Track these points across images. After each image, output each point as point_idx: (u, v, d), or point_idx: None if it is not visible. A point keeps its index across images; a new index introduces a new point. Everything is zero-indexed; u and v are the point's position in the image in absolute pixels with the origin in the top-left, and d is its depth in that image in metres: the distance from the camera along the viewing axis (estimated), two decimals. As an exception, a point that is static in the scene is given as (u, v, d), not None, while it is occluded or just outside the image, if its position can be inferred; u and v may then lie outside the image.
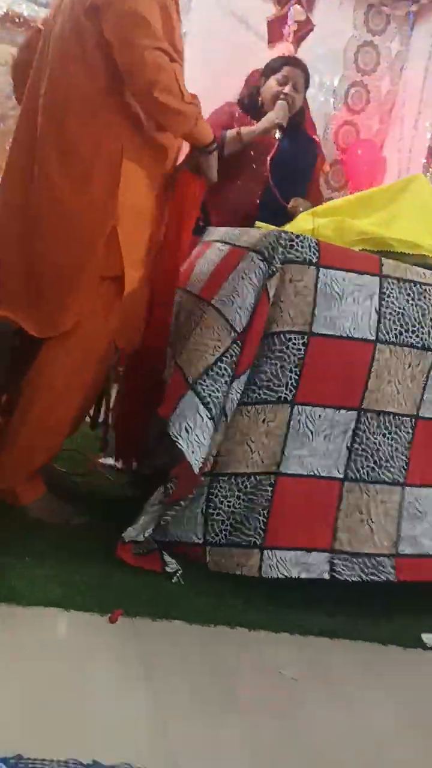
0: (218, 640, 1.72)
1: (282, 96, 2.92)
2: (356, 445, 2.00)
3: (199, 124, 1.96)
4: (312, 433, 1.96)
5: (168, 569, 1.92)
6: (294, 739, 1.46)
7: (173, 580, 1.89)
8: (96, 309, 1.94)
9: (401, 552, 2.05)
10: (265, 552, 1.95)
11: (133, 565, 1.90)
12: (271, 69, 2.99)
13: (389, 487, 2.02)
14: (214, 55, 4.22)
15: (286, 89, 2.93)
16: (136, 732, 1.38)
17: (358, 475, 2.00)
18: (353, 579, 2.00)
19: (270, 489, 1.95)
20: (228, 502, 1.97)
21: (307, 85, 3.04)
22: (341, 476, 2.00)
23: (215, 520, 1.98)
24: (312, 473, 1.98)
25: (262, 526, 1.94)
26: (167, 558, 1.95)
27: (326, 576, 1.98)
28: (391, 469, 2.02)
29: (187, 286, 2.28)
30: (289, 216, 2.78)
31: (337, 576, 1.98)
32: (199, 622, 1.75)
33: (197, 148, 2.05)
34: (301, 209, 2.87)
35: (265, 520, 1.95)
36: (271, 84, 2.95)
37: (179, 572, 1.91)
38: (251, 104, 3.02)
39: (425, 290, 2.02)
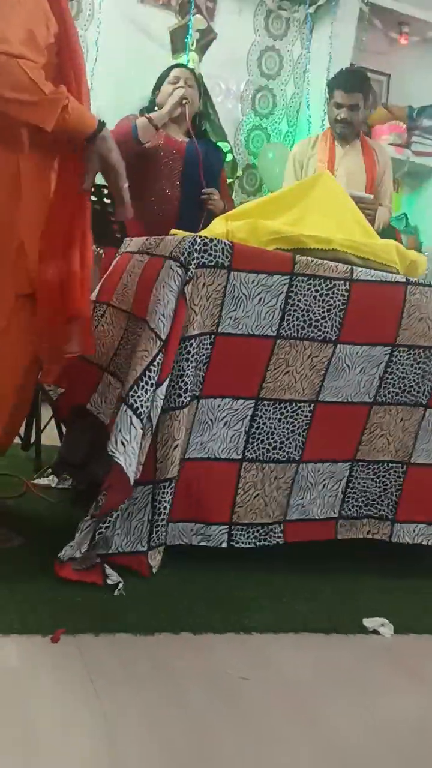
0: (164, 648, 1.72)
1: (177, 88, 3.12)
2: (253, 430, 2.12)
3: (72, 113, 1.80)
4: (212, 420, 2.07)
5: (109, 581, 1.91)
6: (247, 738, 1.47)
7: (115, 593, 1.88)
8: (13, 328, 1.92)
9: (289, 519, 2.23)
10: (170, 525, 2.07)
11: (74, 580, 1.89)
12: (161, 78, 3.20)
13: (283, 465, 2.18)
14: (118, 65, 4.24)
15: (180, 84, 3.11)
16: (86, 751, 1.37)
17: (254, 456, 2.14)
18: (248, 546, 2.18)
19: (177, 474, 2.03)
20: (170, 506, 2.03)
21: (199, 85, 3.23)
22: (239, 458, 2.12)
23: (159, 525, 2.03)
24: (211, 456, 2.09)
25: (168, 504, 2.02)
26: (108, 570, 1.94)
27: (224, 545, 2.15)
28: (287, 449, 2.16)
29: (113, 300, 2.28)
30: (204, 207, 2.91)
31: (234, 544, 2.16)
32: (143, 632, 1.75)
33: (87, 139, 1.89)
34: (215, 196, 3.03)
35: (171, 498, 2.02)
36: (165, 88, 3.16)
37: (121, 584, 1.91)
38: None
39: (335, 285, 2.08)
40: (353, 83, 3.32)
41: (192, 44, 4.18)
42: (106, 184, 2.48)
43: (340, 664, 1.80)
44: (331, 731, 1.53)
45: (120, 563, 1.99)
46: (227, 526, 2.16)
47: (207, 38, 4.31)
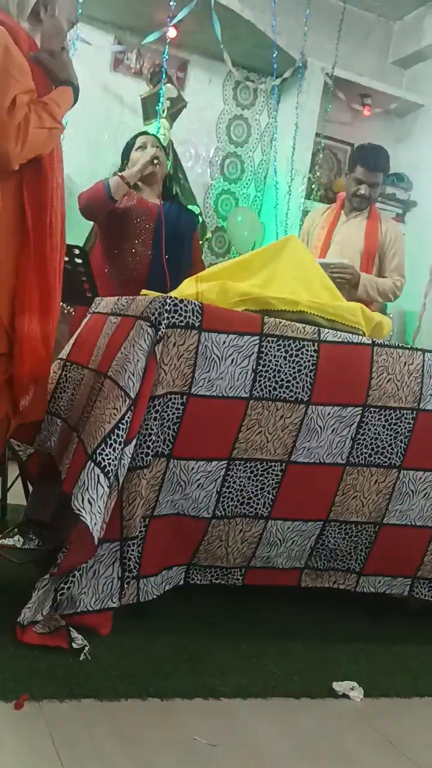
0: (131, 714, 1.68)
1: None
2: (224, 489, 2.12)
3: (62, 105, 1.93)
4: (185, 482, 2.07)
5: (75, 645, 1.87)
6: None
7: (81, 657, 1.84)
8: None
9: (252, 566, 2.26)
10: (141, 581, 2.06)
11: (38, 645, 1.84)
12: (128, 146, 3.32)
13: (251, 520, 2.19)
14: (90, 131, 4.34)
15: (149, 147, 3.24)
16: None
17: (223, 513, 2.14)
18: (203, 582, 2.21)
19: (144, 530, 2.04)
20: (140, 562, 2.03)
21: (165, 150, 3.35)
22: (209, 516, 2.13)
23: (130, 582, 2.02)
24: (180, 512, 2.10)
25: (137, 560, 2.02)
26: (74, 634, 1.90)
27: (181, 582, 2.18)
28: (255, 505, 2.17)
29: (90, 364, 2.30)
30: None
31: (189, 581, 2.19)
32: (109, 698, 1.71)
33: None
34: None
35: (139, 554, 2.02)
36: (134, 155, 3.27)
37: (86, 648, 1.86)
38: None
39: (303, 346, 2.12)
40: (376, 163, 3.38)
41: (163, 112, 4.31)
42: (77, 244, 2.52)
43: (311, 730, 1.77)
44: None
45: (87, 622, 1.95)
46: (185, 567, 2.19)
47: (177, 106, 4.45)
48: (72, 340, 2.54)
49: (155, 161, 3.19)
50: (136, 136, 3.36)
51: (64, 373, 2.44)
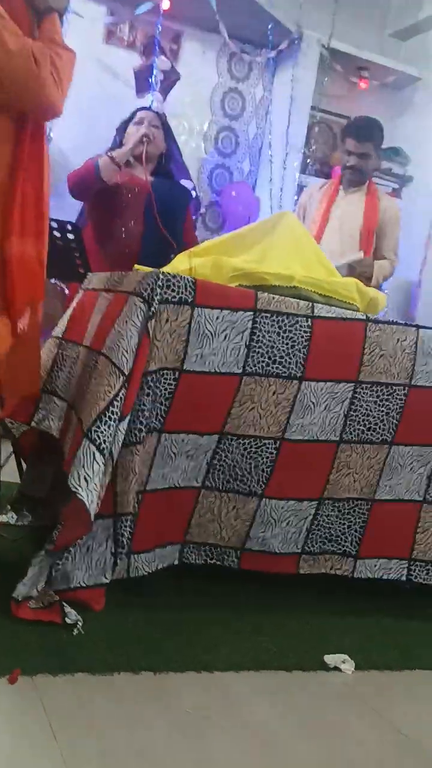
0: (123, 688, 1.69)
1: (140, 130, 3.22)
2: (215, 462, 2.13)
3: (60, 32, 1.94)
4: (175, 454, 2.07)
5: (68, 620, 1.87)
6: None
7: (74, 632, 1.85)
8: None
9: (247, 548, 2.23)
10: (132, 556, 2.06)
11: (32, 620, 1.85)
12: (126, 120, 3.31)
13: (244, 497, 2.18)
14: (85, 104, 4.27)
15: (143, 126, 3.24)
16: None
17: (213, 485, 2.15)
18: (199, 562, 2.20)
19: (137, 505, 2.03)
20: (131, 538, 2.02)
21: (164, 124, 3.33)
22: (198, 485, 2.14)
23: (122, 558, 2.02)
24: (172, 485, 2.10)
25: (129, 535, 2.02)
26: (67, 609, 1.91)
27: (176, 562, 2.17)
28: (248, 482, 2.17)
29: (84, 340, 2.28)
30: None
31: (184, 560, 2.18)
32: (102, 672, 1.72)
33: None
34: None
35: (131, 530, 2.02)
36: (131, 129, 3.26)
37: (80, 623, 1.87)
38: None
39: (297, 321, 2.11)
40: (365, 132, 3.40)
41: (156, 85, 4.25)
42: (69, 220, 2.50)
43: (302, 703, 1.79)
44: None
45: (80, 598, 1.96)
46: (180, 545, 2.18)
47: (171, 79, 4.39)
48: (65, 318, 2.52)
49: (145, 139, 3.19)
50: (136, 111, 3.36)
51: (59, 351, 2.42)
